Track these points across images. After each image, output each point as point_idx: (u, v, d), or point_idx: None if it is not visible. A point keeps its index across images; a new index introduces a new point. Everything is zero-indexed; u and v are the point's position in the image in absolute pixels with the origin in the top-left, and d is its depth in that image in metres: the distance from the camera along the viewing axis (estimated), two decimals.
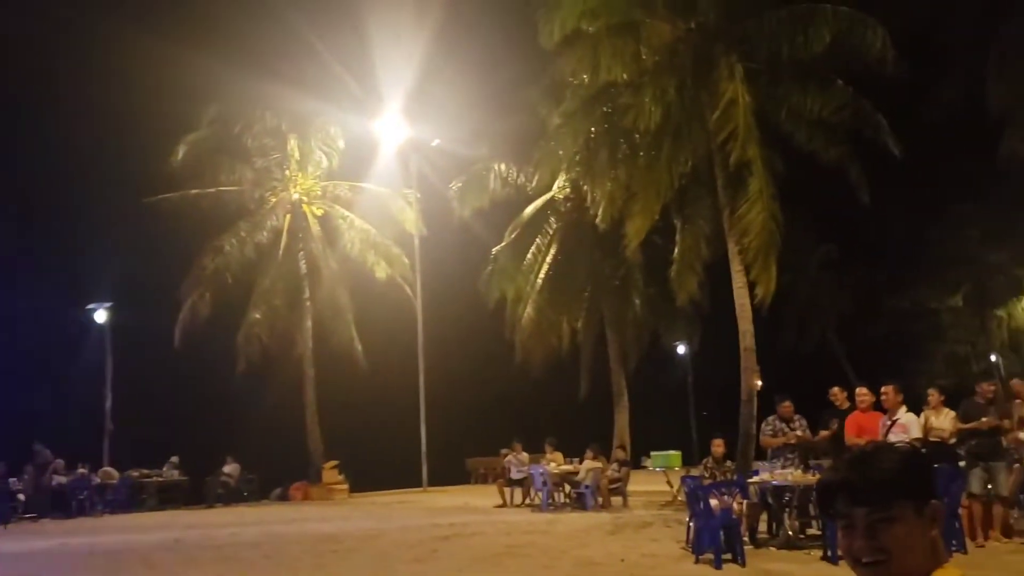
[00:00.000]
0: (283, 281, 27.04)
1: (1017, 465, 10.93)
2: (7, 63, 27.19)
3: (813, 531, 10.50)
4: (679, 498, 15.25)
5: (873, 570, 1.64)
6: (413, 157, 27.38)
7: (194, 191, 26.10)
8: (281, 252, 27.09)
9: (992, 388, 10.55)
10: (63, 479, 22.12)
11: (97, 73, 27.03)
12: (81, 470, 22.50)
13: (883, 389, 10.48)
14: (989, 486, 10.00)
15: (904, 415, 10.16)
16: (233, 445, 24.85)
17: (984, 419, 10.14)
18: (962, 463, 10.14)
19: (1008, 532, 10.09)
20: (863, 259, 43.37)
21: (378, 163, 28.09)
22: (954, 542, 9.40)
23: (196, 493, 23.90)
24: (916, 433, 9.89)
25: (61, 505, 21.62)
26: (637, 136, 17.45)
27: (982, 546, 9.75)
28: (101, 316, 27.03)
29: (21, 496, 21.25)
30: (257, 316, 26.48)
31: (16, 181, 29.43)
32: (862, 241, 41.36)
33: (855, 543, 1.65)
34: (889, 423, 10.11)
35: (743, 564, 9.17)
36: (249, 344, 26.12)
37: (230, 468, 24.28)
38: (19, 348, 27.80)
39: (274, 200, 27.44)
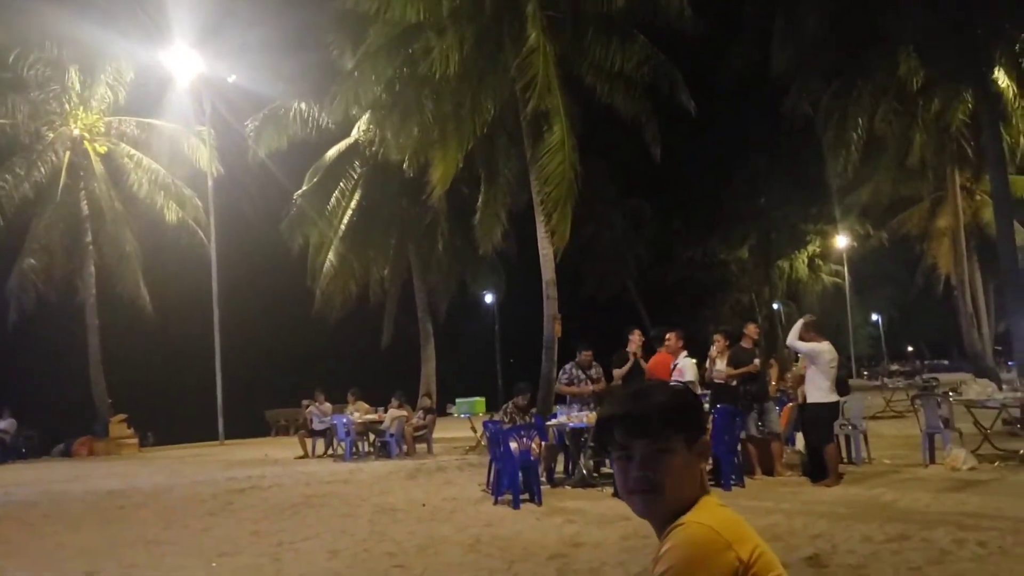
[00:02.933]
0: (63, 223, 25.06)
1: (790, 404, 11.83)
2: None
3: (607, 470, 10.92)
4: (482, 443, 15.51)
5: (645, 499, 1.69)
6: (206, 94, 25.86)
7: None
8: (60, 192, 25.01)
9: (757, 329, 11.32)
10: None
11: None
12: None
13: (666, 335, 11.02)
14: (761, 424, 10.77)
15: (683, 360, 10.75)
16: (9, 398, 23.08)
17: (752, 364, 10.88)
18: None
19: (785, 467, 10.90)
20: (661, 211, 45.40)
21: (169, 100, 26.31)
22: (733, 476, 10.07)
23: None
24: (691, 377, 10.49)
25: None
26: (441, 81, 17.17)
27: (757, 479, 10.49)
28: None
29: None
30: (32, 260, 24.48)
31: None
32: (660, 194, 43.25)
33: (631, 474, 1.68)
34: (672, 367, 10.69)
35: (539, 503, 9.42)
36: (23, 291, 24.15)
37: (5, 423, 22.60)
38: None
39: (52, 136, 25.24)
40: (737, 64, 22.45)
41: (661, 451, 1.66)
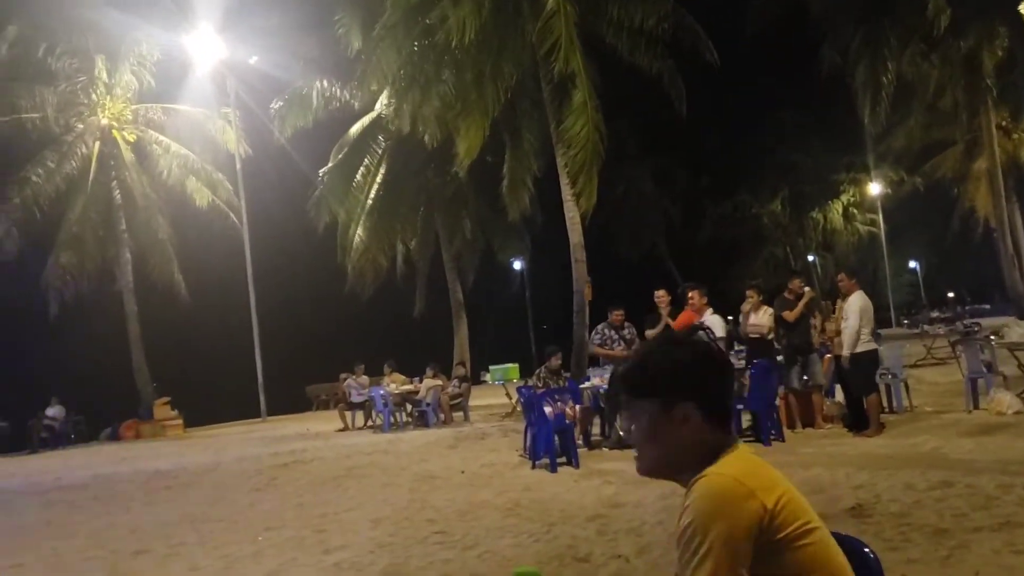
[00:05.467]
0: (95, 213, 25.46)
1: (828, 356, 11.72)
2: None
3: None
4: (517, 409, 15.57)
5: (637, 460, 1.77)
6: (230, 77, 25.93)
7: None
8: (91, 182, 25.33)
9: (800, 284, 11.16)
10: None
11: None
12: None
13: (689, 293, 10.92)
14: (805, 377, 10.66)
15: (709, 316, 10.62)
16: (57, 387, 23.56)
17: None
18: (780, 358, 10.75)
19: (825, 418, 10.82)
20: (689, 168, 44.97)
21: (191, 84, 26.42)
22: (772, 431, 10.02)
23: (18, 439, 22.61)
24: (720, 333, 10.36)
25: None
26: (459, 51, 17.04)
27: (798, 433, 10.43)
28: None
29: None
30: (69, 251, 24.91)
31: None
32: (687, 150, 42.83)
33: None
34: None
35: (577, 466, 9.46)
36: (62, 281, 24.59)
37: (54, 411, 23.19)
38: None
39: (81, 126, 25.50)
40: (762, 14, 22.06)
41: (632, 410, 1.73)
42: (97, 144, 25.59)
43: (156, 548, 7.32)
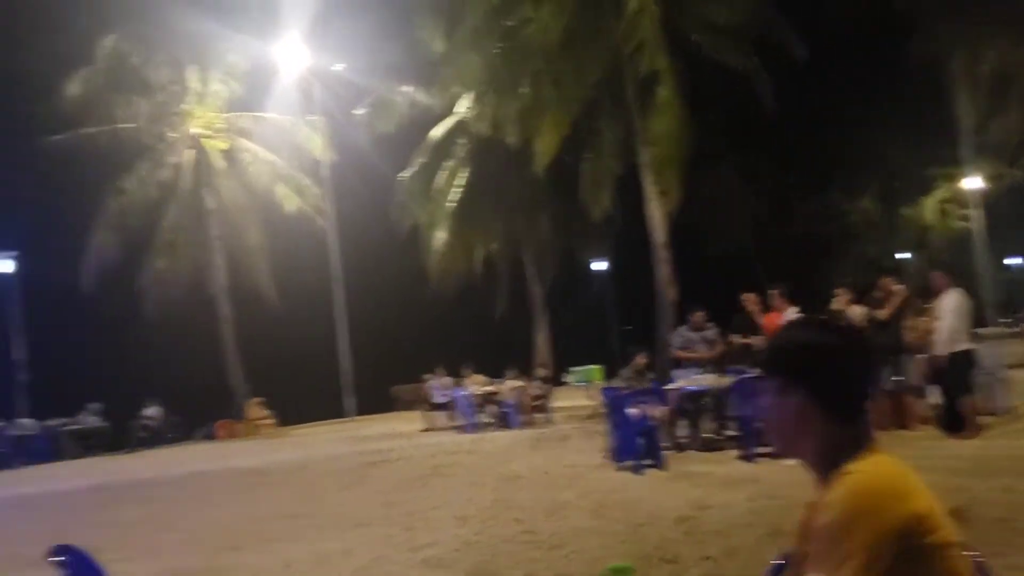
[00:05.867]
0: (188, 220, 26.28)
1: (920, 356, 11.35)
2: None
3: (731, 432, 10.77)
4: (601, 410, 15.50)
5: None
6: (316, 84, 26.55)
7: (91, 129, 24.96)
8: (184, 190, 26.22)
9: (890, 282, 10.85)
10: None
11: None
12: None
13: (769, 293, 10.74)
14: (898, 378, 10.36)
15: (791, 315, 10.40)
16: (154, 388, 24.41)
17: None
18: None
19: (918, 420, 10.49)
20: (775, 164, 44.07)
21: (277, 91, 27.17)
22: None
23: (118, 439, 23.50)
24: None
25: None
26: (541, 52, 17.09)
27: (890, 435, 10.12)
28: (6, 265, 25.98)
29: None
30: (163, 257, 25.79)
31: None
32: (774, 146, 41.95)
33: None
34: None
35: (663, 468, 9.38)
36: (158, 285, 25.47)
37: (152, 411, 23.96)
38: None
39: (174, 136, 26.41)
40: (851, 6, 21.51)
41: (765, 390, 1.71)
42: (189, 152, 26.45)
43: (250, 543, 7.55)
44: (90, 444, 22.98)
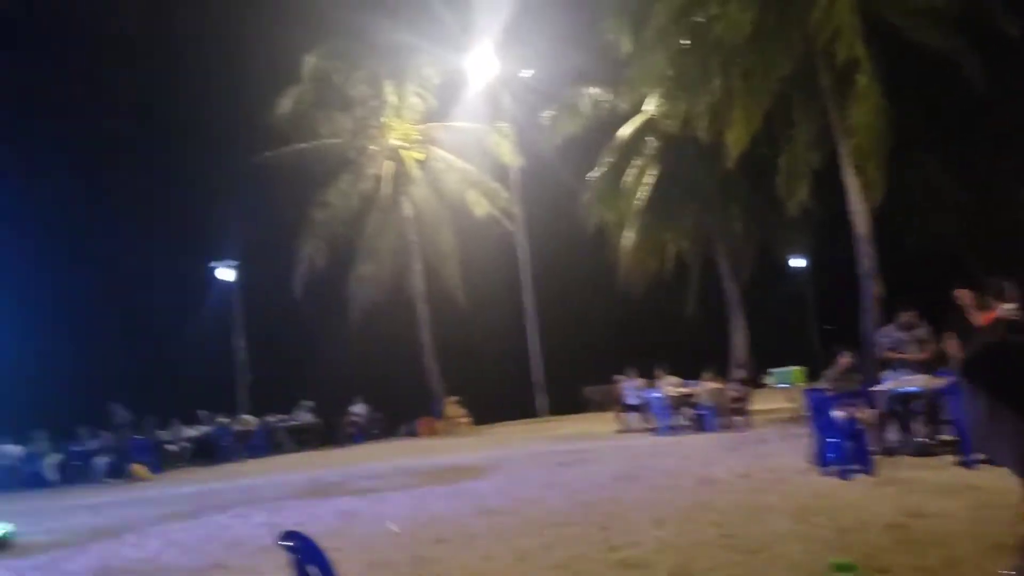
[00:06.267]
0: (388, 228, 27.56)
1: None
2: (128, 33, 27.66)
3: (945, 437, 10.12)
4: (803, 413, 14.96)
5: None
6: (504, 92, 27.20)
7: (301, 145, 26.69)
8: (384, 200, 27.59)
9: None
10: (207, 429, 23.56)
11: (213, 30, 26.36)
12: (221, 419, 23.87)
13: (983, 288, 9.95)
14: None
15: (1005, 312, 9.59)
16: (360, 387, 25.76)
17: None
18: None
19: None
20: (986, 149, 40.83)
21: (466, 100, 27.99)
22: None
23: (329, 434, 24.98)
24: None
25: (205, 453, 22.97)
26: (730, 46, 16.72)
27: None
28: (229, 274, 28.23)
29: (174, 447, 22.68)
30: (367, 263, 27.19)
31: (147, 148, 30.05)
32: (985, 130, 38.87)
33: None
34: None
35: (871, 474, 8.94)
36: (362, 290, 26.88)
37: (359, 408, 25.39)
38: (156, 308, 29.11)
39: (373, 148, 27.76)
40: None
41: (961, 393, 1.67)
42: (388, 164, 27.75)
43: (453, 537, 7.82)
44: (304, 439, 24.60)
